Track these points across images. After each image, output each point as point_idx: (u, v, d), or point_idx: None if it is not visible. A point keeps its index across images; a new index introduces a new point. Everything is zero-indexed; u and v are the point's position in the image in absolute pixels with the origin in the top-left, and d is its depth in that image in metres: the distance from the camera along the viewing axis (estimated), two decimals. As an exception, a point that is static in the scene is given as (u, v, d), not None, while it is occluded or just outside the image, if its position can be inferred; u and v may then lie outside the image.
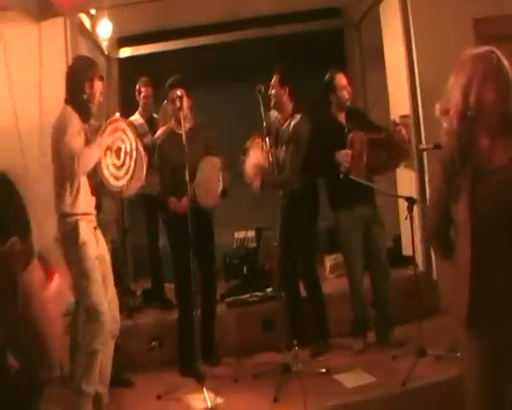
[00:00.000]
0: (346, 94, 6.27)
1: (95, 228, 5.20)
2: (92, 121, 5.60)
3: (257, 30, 9.31)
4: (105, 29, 8.10)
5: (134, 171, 5.23)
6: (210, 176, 5.96)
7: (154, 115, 7.66)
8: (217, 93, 9.02)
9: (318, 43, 8.98)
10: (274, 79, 6.39)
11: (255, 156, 6.32)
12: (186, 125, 5.90)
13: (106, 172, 5.23)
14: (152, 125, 7.48)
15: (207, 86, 8.69)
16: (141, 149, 5.28)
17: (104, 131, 5.20)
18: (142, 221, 7.68)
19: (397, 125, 6.18)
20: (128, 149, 5.23)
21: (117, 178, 5.25)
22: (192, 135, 5.98)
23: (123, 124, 5.33)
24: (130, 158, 5.24)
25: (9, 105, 6.56)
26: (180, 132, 5.84)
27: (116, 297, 5.37)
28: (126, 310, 6.99)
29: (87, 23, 7.93)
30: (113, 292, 5.33)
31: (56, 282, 2.18)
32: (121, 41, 9.43)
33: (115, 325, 5.27)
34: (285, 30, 9.27)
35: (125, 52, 9.57)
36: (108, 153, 5.21)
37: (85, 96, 5.12)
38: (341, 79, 6.29)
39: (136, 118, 7.55)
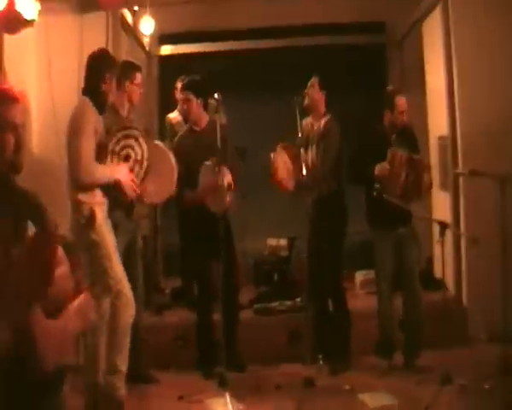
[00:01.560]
0: (402, 117, 6.12)
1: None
2: (132, 116, 5.70)
3: (299, 38, 9.35)
4: (147, 26, 8.16)
5: (143, 179, 5.28)
6: (212, 183, 5.96)
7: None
8: (253, 98, 9.07)
9: (360, 57, 8.99)
10: (313, 80, 6.41)
11: (283, 161, 6.34)
12: (201, 125, 6.09)
13: None
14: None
15: (244, 90, 8.73)
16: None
17: (115, 135, 5.22)
18: (176, 219, 7.72)
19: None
20: (139, 158, 5.28)
21: None
22: (204, 134, 6.10)
23: (136, 132, 5.36)
24: (140, 167, 5.29)
25: (49, 97, 6.67)
26: (196, 129, 6.03)
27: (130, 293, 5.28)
28: (155, 307, 7.09)
29: (129, 19, 7.99)
30: (127, 285, 5.25)
31: (83, 299, 2.24)
32: (163, 39, 9.50)
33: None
34: (327, 40, 9.29)
35: (166, 50, 9.64)
36: (115, 159, 5.22)
37: (103, 88, 5.15)
38: (402, 103, 6.13)
39: (175, 115, 7.60)
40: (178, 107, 7.66)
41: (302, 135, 6.20)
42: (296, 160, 6.23)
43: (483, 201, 6.56)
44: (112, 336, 5.09)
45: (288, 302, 7.04)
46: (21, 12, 5.14)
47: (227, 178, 5.98)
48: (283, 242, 8.20)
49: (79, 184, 4.98)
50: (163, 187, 5.60)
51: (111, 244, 5.06)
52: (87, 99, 5.11)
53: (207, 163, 6.03)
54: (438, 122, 7.77)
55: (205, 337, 6.19)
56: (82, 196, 5.01)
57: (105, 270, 4.98)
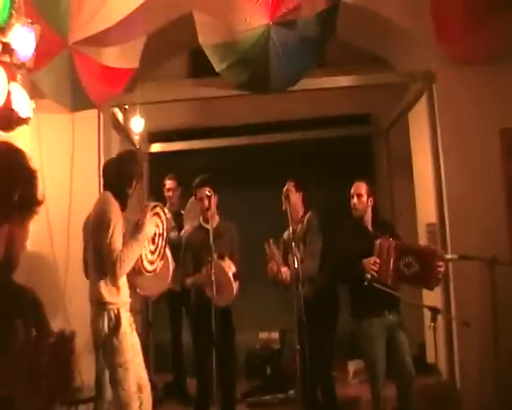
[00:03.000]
0: (356, 203, 6.24)
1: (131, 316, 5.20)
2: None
3: (286, 134, 9.54)
4: (137, 124, 8.33)
5: (164, 251, 5.33)
6: (220, 279, 6.00)
7: (181, 211, 7.79)
8: (242, 194, 9.18)
9: (346, 149, 9.15)
10: (288, 185, 6.54)
11: (276, 256, 6.40)
12: (213, 223, 6.06)
13: (144, 261, 5.21)
14: (178, 221, 7.61)
15: (232, 186, 8.83)
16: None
17: (144, 223, 5.12)
18: (166, 315, 7.71)
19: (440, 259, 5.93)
20: (161, 231, 5.31)
21: (152, 263, 5.28)
22: (218, 232, 6.12)
23: (158, 209, 5.36)
24: (163, 239, 5.35)
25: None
26: (206, 227, 6.04)
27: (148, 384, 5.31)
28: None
29: (120, 117, 8.15)
30: (146, 375, 5.28)
31: None
32: (152, 136, 9.73)
33: None
34: (313, 134, 9.48)
35: (156, 147, 9.83)
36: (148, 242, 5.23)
37: (130, 190, 5.20)
38: (356, 188, 6.28)
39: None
40: (167, 205, 7.73)
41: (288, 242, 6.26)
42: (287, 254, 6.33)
43: (473, 284, 6.60)
44: None
45: (281, 395, 7.03)
46: (17, 110, 5.25)
47: (232, 268, 6.10)
48: (275, 335, 8.20)
49: (114, 278, 4.97)
50: (159, 282, 5.63)
51: (130, 353, 5.00)
52: (109, 193, 5.13)
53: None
54: (426, 209, 7.86)
55: None
56: (108, 297, 4.98)
57: (118, 379, 4.96)
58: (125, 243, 5.00)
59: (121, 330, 4.94)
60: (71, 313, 6.14)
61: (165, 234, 5.35)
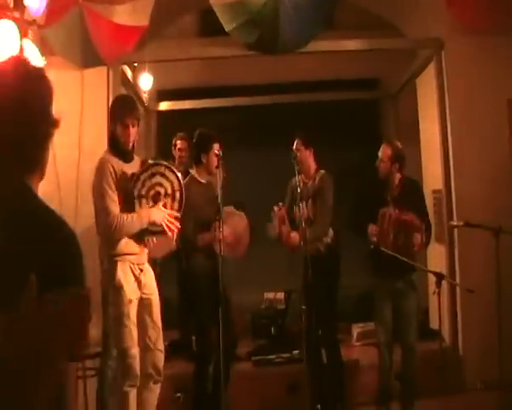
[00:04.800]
0: (378, 165, 6.25)
1: (141, 269, 5.20)
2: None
3: (295, 95, 9.52)
4: (146, 82, 8.32)
5: (179, 210, 5.25)
6: (240, 230, 6.08)
7: (190, 171, 7.74)
8: (249, 154, 9.17)
9: (355, 112, 9.13)
10: (297, 143, 6.49)
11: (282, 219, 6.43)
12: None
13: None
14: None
15: (240, 146, 8.83)
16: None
17: (138, 179, 5.13)
18: (173, 273, 7.74)
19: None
20: (169, 192, 5.21)
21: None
22: (209, 186, 6.14)
23: (161, 167, 5.26)
24: (173, 199, 5.24)
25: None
26: (202, 181, 6.11)
27: (161, 343, 5.37)
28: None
29: (129, 74, 8.14)
30: (158, 336, 5.32)
31: None
32: (161, 94, 9.71)
33: (155, 371, 5.29)
34: (322, 97, 9.45)
35: (164, 105, 9.82)
36: (144, 202, 5.14)
37: (121, 138, 5.17)
38: (382, 152, 6.26)
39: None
40: (175, 164, 7.71)
41: (296, 191, 6.24)
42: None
43: (478, 252, 6.64)
44: None
45: (286, 355, 7.07)
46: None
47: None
48: (280, 295, 8.23)
49: (112, 240, 5.02)
50: (165, 244, 5.60)
51: (125, 308, 4.99)
52: (107, 154, 5.16)
53: (230, 208, 6.19)
54: (432, 176, 7.88)
55: (203, 389, 6.11)
56: (106, 249, 5.09)
57: (115, 333, 5.01)
58: (123, 202, 5.07)
59: (115, 283, 4.96)
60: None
61: (177, 194, 5.25)
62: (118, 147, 5.19)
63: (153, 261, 7.60)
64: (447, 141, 7.33)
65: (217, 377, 5.70)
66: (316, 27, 6.55)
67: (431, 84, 7.64)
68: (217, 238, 5.70)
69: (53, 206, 5.67)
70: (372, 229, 6.00)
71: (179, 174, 5.35)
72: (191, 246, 6.06)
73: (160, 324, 5.37)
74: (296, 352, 6.88)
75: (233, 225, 6.11)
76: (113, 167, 5.05)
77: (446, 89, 7.33)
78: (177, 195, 5.25)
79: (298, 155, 6.39)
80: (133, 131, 5.20)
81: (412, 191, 6.33)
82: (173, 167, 5.45)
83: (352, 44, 7.75)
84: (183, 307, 7.56)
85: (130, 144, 5.23)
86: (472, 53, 7.12)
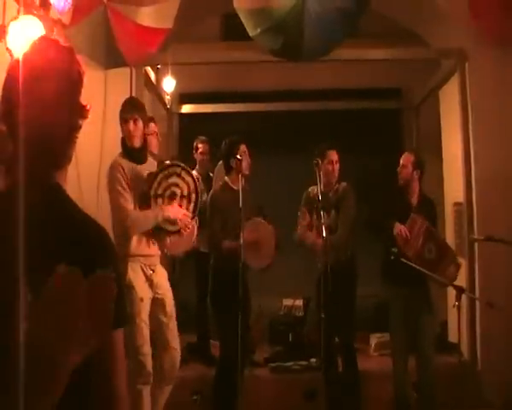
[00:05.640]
0: (400, 172, 6.28)
1: (153, 270, 5.22)
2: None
3: (316, 102, 9.50)
4: (169, 84, 8.33)
5: (193, 215, 5.30)
6: (264, 239, 6.08)
7: (210, 174, 7.73)
8: (268, 160, 9.14)
9: (376, 122, 9.10)
10: (333, 154, 6.47)
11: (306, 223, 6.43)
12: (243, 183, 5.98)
13: (165, 225, 5.22)
14: (208, 183, 7.57)
15: (260, 152, 8.80)
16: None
17: (155, 179, 5.21)
18: (191, 276, 7.72)
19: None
20: (185, 193, 5.26)
21: (173, 223, 5.24)
22: (247, 193, 6.08)
23: (178, 168, 5.33)
24: (189, 201, 5.28)
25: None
26: (235, 188, 5.97)
27: (177, 342, 5.40)
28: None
29: (152, 76, 8.16)
30: (174, 335, 5.36)
31: None
32: (183, 97, 9.72)
33: (171, 370, 5.33)
34: (343, 105, 9.45)
35: (187, 108, 9.84)
36: (160, 201, 5.21)
37: (124, 135, 5.26)
38: (403, 158, 6.31)
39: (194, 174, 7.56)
40: (196, 167, 7.72)
41: (317, 199, 6.21)
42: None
43: (498, 266, 6.60)
44: None
45: (303, 362, 7.05)
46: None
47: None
48: (299, 302, 8.21)
49: (128, 236, 5.06)
50: (184, 241, 5.68)
51: (136, 306, 5.02)
52: (118, 156, 5.23)
53: (256, 219, 6.20)
54: (453, 188, 7.85)
55: (227, 392, 6.00)
56: (118, 248, 5.06)
57: (126, 334, 4.97)
58: (138, 202, 5.14)
59: (126, 283, 4.94)
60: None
61: (193, 196, 5.29)
62: (126, 147, 5.26)
63: (172, 262, 7.66)
64: (469, 154, 7.28)
65: (234, 382, 5.65)
66: (340, 35, 6.53)
67: (454, 96, 7.61)
68: (239, 246, 5.69)
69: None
70: (401, 229, 5.97)
71: (196, 176, 5.44)
72: (216, 250, 6.09)
73: (175, 323, 5.42)
74: (313, 360, 6.84)
75: (260, 235, 6.11)
76: (123, 168, 5.11)
77: (469, 101, 7.30)
78: (193, 196, 5.30)
79: (319, 161, 6.35)
80: (135, 127, 5.24)
81: (430, 206, 6.39)
82: (190, 169, 5.51)
83: (375, 53, 7.75)
84: (200, 309, 7.52)
85: (135, 142, 5.26)
86: (496, 65, 7.08)
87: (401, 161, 6.29)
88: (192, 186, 5.30)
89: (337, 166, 6.46)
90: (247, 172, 6.13)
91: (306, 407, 6.44)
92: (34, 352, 1.59)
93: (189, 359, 7.35)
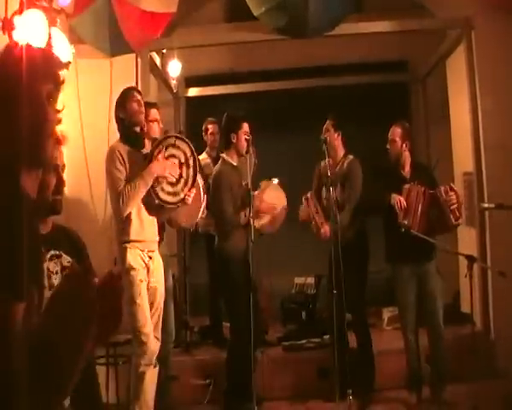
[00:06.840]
0: (389, 147, 6.27)
1: (150, 257, 5.29)
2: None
3: (323, 78, 9.46)
4: (174, 68, 8.32)
5: (194, 179, 5.28)
6: (279, 205, 6.21)
7: (221, 155, 7.72)
8: (277, 138, 9.14)
9: (383, 96, 9.06)
10: (327, 124, 6.50)
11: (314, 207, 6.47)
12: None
13: (162, 195, 5.25)
14: (218, 163, 7.58)
15: (268, 131, 8.79)
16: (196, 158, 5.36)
17: (152, 158, 5.22)
18: (203, 259, 7.76)
19: (451, 189, 5.99)
20: (183, 161, 5.28)
21: (175, 194, 5.27)
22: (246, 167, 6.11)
23: (171, 139, 5.36)
24: (188, 167, 5.29)
25: (79, 137, 6.88)
26: (234, 164, 6.13)
27: (159, 331, 5.36)
28: (184, 345, 7.15)
29: (157, 61, 8.15)
30: (157, 324, 5.34)
31: None
32: (189, 81, 9.70)
33: (150, 357, 5.25)
34: (351, 80, 9.39)
35: (193, 92, 9.83)
36: (161, 178, 5.23)
37: (125, 122, 5.32)
38: (391, 132, 6.29)
39: (204, 157, 7.58)
40: (206, 149, 7.75)
41: (324, 175, 6.27)
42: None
43: (509, 234, 6.58)
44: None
45: (316, 340, 7.07)
46: (58, 55, 5.26)
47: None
48: (311, 280, 8.20)
49: (125, 214, 5.12)
50: (192, 212, 5.67)
51: (137, 288, 5.10)
52: (116, 142, 5.34)
53: (275, 181, 6.29)
54: (463, 158, 7.79)
55: (237, 373, 6.07)
56: (117, 234, 5.24)
57: (130, 314, 5.05)
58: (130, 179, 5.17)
59: (126, 266, 5.08)
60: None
61: (190, 162, 5.30)
62: (125, 132, 5.35)
63: (182, 246, 7.72)
64: (478, 122, 7.24)
65: (246, 363, 5.69)
66: (344, 10, 6.52)
67: (461, 65, 7.54)
68: (246, 223, 5.76)
69: (83, 195, 5.78)
70: (398, 200, 5.96)
71: (189, 142, 5.41)
72: (233, 225, 6.04)
73: (161, 313, 5.41)
74: (326, 337, 6.84)
75: (274, 198, 6.19)
76: (120, 153, 5.19)
77: (476, 69, 7.24)
78: (191, 161, 5.30)
79: (327, 136, 6.41)
80: (139, 107, 5.35)
81: (424, 172, 6.39)
82: (183, 136, 5.55)
83: (380, 26, 7.70)
84: (213, 292, 7.57)
85: (140, 120, 5.35)
86: (502, 32, 7.03)
87: (389, 136, 6.28)
88: (188, 152, 5.31)
89: (333, 137, 6.47)
90: (244, 152, 6.15)
91: (320, 385, 6.49)
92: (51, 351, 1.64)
93: (201, 342, 7.44)
